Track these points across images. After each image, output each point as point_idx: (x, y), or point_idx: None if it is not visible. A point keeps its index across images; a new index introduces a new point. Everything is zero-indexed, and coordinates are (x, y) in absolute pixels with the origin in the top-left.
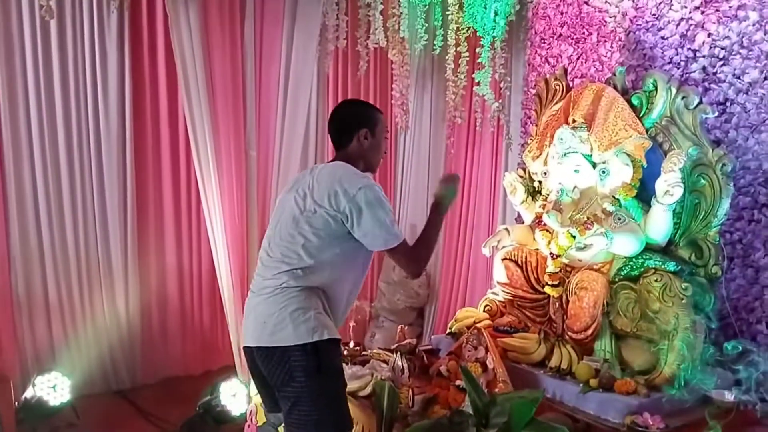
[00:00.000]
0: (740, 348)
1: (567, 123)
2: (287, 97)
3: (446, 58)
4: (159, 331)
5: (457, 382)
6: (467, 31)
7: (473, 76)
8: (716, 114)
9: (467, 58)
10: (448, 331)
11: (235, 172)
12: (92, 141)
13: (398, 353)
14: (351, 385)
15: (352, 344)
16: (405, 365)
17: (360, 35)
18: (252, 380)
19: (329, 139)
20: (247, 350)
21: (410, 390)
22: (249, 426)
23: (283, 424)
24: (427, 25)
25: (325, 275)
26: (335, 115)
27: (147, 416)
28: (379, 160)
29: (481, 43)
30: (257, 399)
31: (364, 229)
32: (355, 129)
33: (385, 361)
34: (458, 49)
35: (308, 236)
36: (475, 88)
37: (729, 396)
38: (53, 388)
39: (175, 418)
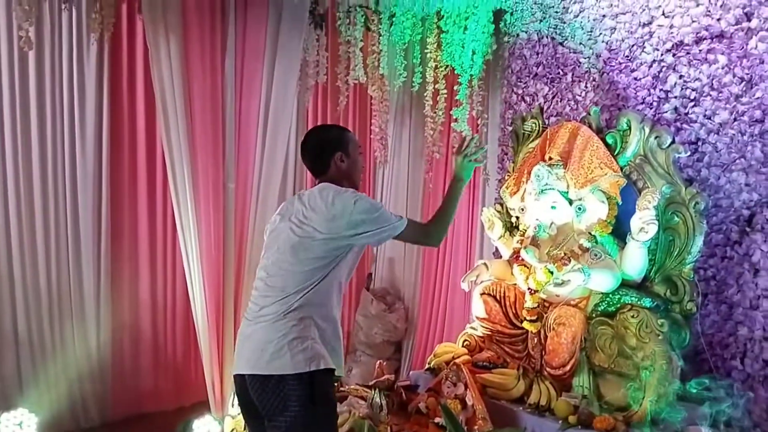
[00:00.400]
0: (706, 383)
1: (543, 160)
2: (267, 131)
3: (425, 94)
4: (131, 366)
5: (437, 420)
6: (445, 69)
7: (451, 112)
8: (688, 153)
9: (445, 95)
10: (426, 366)
11: (213, 204)
12: (67, 171)
13: (376, 390)
14: None
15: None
16: (383, 402)
17: (340, 71)
18: (240, 410)
19: (308, 171)
20: (239, 378)
21: (389, 428)
22: None
23: None
24: (406, 62)
25: (322, 301)
26: (306, 146)
27: None
28: (360, 175)
29: (459, 80)
30: None
31: (371, 235)
32: (329, 155)
33: (363, 398)
34: (436, 86)
35: (308, 264)
36: (452, 124)
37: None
38: (19, 426)
39: None
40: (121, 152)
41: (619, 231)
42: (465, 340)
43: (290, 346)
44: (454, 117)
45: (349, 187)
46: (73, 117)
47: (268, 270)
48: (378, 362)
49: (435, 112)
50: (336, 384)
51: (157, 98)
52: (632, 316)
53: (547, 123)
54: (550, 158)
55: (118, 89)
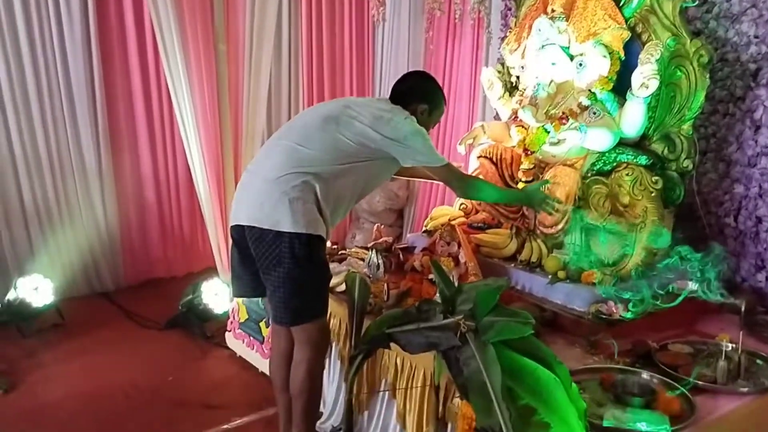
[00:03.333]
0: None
1: (546, 13)
2: None
3: None
4: (138, 236)
5: (430, 276)
6: None
7: None
8: (697, 3)
9: None
10: (423, 229)
11: (205, 68)
12: (56, 41)
13: (374, 250)
14: None
15: (329, 243)
16: (381, 261)
17: None
18: (233, 262)
19: (303, 29)
20: (238, 228)
21: (385, 285)
22: (232, 322)
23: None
24: None
25: (332, 184)
26: (406, 80)
27: (131, 316)
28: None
29: None
30: (239, 299)
31: (406, 151)
32: (417, 100)
33: (362, 259)
34: None
35: (334, 142)
36: None
37: (692, 286)
38: (36, 290)
39: (159, 317)
40: (109, 19)
41: (621, 88)
42: (462, 204)
43: (291, 205)
44: None
45: None
46: None
47: (287, 134)
48: (376, 225)
49: None
50: (336, 246)
51: None
52: (627, 174)
53: None
54: (553, 10)
55: None
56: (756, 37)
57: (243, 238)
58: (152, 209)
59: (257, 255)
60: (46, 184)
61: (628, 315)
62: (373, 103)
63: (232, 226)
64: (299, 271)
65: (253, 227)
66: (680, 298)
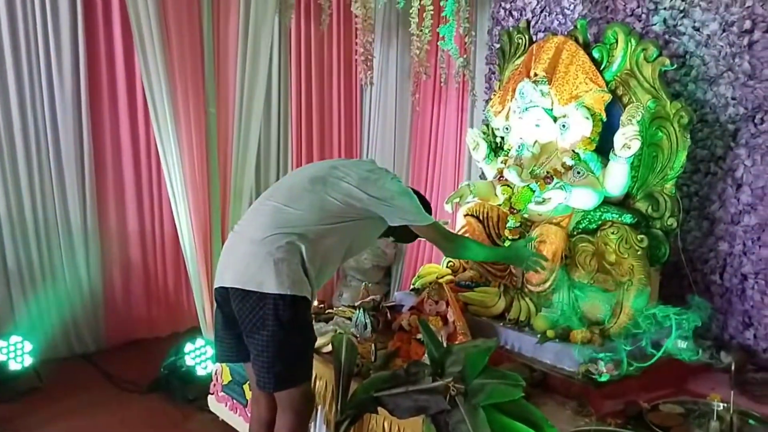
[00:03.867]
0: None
1: (529, 77)
2: (247, 51)
3: (410, 11)
4: (122, 294)
5: (418, 336)
6: None
7: (438, 30)
8: (675, 66)
9: (432, 12)
10: (411, 287)
11: (195, 130)
12: (46, 100)
13: (361, 309)
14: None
15: (316, 302)
16: (368, 321)
17: None
18: (216, 325)
19: (292, 92)
20: (222, 290)
21: (373, 345)
22: (215, 385)
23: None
24: None
25: (319, 246)
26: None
27: (112, 379)
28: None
29: None
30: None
31: (391, 210)
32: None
33: (349, 318)
34: (422, 2)
35: (322, 202)
36: (439, 43)
37: (682, 344)
38: (14, 352)
39: (141, 379)
40: (99, 79)
41: (604, 148)
42: (449, 261)
43: (276, 266)
44: (441, 35)
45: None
46: (49, 47)
47: (274, 195)
48: (363, 284)
49: (421, 30)
50: (323, 305)
51: (132, 22)
52: (612, 233)
53: (535, 38)
54: (536, 74)
55: (93, 13)
56: (733, 98)
57: (227, 300)
58: (137, 268)
59: (241, 318)
60: (30, 242)
61: (618, 375)
62: (360, 164)
63: (216, 288)
64: (283, 334)
65: (237, 289)
66: (653, 359)
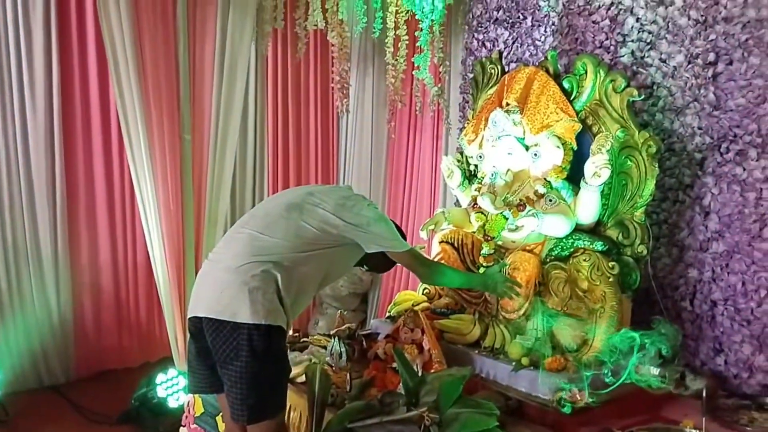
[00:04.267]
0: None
1: (501, 106)
2: (223, 79)
3: (386, 41)
4: (93, 324)
5: (394, 365)
6: (406, 14)
7: (413, 59)
8: (643, 97)
9: (407, 42)
10: (387, 314)
11: (170, 157)
12: (18, 124)
13: (336, 338)
14: None
15: (290, 331)
16: (343, 350)
17: (298, 16)
18: (190, 355)
19: (269, 119)
20: (195, 320)
21: (348, 374)
22: (187, 417)
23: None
24: (366, 7)
25: (294, 273)
26: None
27: (81, 410)
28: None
29: (420, 26)
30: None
31: (367, 237)
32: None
33: (325, 347)
34: (397, 32)
35: (297, 229)
36: (414, 72)
37: (654, 371)
38: None
39: (111, 411)
40: (73, 107)
41: (575, 176)
42: (425, 288)
43: (251, 295)
44: (416, 65)
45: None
46: (21, 72)
47: (249, 222)
48: (338, 312)
49: (396, 60)
50: (298, 334)
51: (107, 47)
52: (584, 260)
53: (507, 69)
54: (507, 104)
55: (67, 40)
56: (700, 128)
57: (200, 331)
58: (109, 297)
59: (214, 348)
60: None
61: (586, 403)
62: (337, 190)
63: (189, 318)
64: (258, 365)
65: (211, 319)
66: (613, 387)
